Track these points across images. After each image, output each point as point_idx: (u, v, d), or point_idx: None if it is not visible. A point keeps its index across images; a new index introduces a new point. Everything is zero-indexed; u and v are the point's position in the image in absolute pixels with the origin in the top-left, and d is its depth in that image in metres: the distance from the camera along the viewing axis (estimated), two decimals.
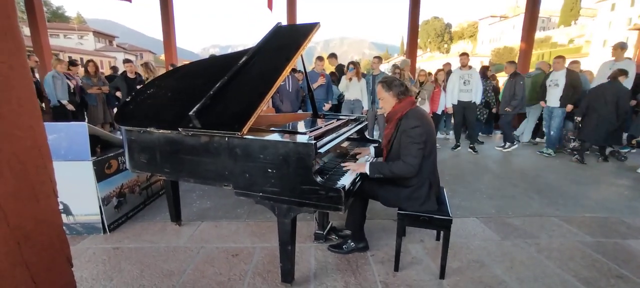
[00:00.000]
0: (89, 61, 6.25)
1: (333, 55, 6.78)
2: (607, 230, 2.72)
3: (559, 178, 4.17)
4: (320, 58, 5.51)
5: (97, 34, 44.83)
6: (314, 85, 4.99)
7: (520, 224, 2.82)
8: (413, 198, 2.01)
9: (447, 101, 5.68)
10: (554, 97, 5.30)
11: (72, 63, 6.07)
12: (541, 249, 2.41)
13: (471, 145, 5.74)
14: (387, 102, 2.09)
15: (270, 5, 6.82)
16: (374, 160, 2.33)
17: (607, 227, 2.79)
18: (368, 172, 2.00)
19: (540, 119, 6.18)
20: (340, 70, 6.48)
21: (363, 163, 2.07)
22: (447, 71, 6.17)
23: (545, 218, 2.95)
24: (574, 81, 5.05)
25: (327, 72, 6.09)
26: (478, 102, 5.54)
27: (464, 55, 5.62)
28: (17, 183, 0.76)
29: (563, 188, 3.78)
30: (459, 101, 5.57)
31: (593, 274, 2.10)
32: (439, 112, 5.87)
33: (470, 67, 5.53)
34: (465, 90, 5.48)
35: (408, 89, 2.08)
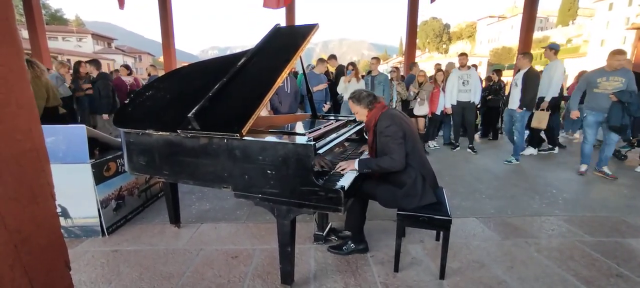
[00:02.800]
0: (78, 63, 5.82)
1: (333, 57, 6.78)
2: (607, 230, 2.72)
3: (558, 178, 4.17)
4: (321, 60, 5.52)
5: (96, 37, 44.79)
6: (315, 89, 5.01)
7: (520, 224, 2.82)
8: (410, 195, 2.02)
9: (446, 101, 5.68)
10: (513, 98, 4.92)
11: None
12: (541, 249, 2.41)
13: (470, 146, 5.75)
14: (361, 114, 2.21)
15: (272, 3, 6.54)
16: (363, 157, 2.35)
17: (607, 226, 2.79)
18: (357, 168, 2.05)
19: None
20: (340, 71, 6.49)
21: (352, 160, 2.12)
22: (437, 71, 6.19)
23: (545, 218, 2.95)
24: (529, 81, 4.66)
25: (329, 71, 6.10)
26: (477, 102, 5.54)
27: (463, 55, 5.64)
28: (15, 186, 0.75)
29: (563, 188, 3.78)
30: (458, 101, 5.57)
31: (593, 273, 2.10)
32: (438, 112, 5.88)
33: (469, 68, 5.53)
34: (464, 90, 5.48)
35: (376, 97, 2.20)
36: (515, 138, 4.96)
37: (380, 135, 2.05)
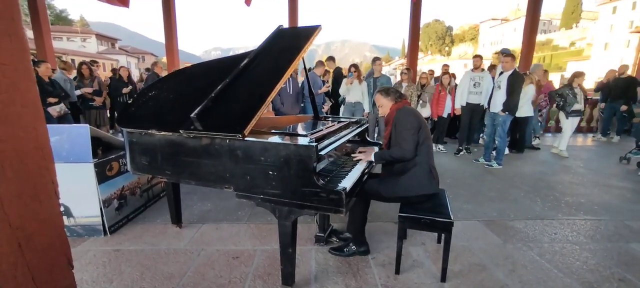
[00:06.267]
0: (82, 64, 5.98)
1: (331, 58, 6.79)
2: (610, 234, 2.70)
3: (561, 181, 4.15)
4: (321, 62, 5.55)
5: (100, 37, 45.11)
6: (318, 91, 5.04)
7: (523, 227, 2.81)
8: (414, 182, 2.09)
9: (456, 102, 5.57)
10: (495, 100, 4.78)
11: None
12: (543, 253, 2.39)
13: (467, 146, 5.73)
14: (385, 107, 2.32)
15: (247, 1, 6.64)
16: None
17: (609, 230, 2.77)
18: (373, 159, 2.25)
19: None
20: (338, 74, 6.48)
21: (370, 150, 2.34)
22: (444, 73, 6.16)
23: (548, 222, 2.93)
24: (514, 84, 4.48)
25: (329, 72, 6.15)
26: (486, 105, 5.37)
27: (477, 57, 5.51)
28: (19, 184, 0.76)
29: (566, 191, 3.76)
30: (467, 103, 5.47)
31: (596, 278, 2.09)
32: (445, 115, 5.83)
33: (482, 70, 5.42)
34: (474, 92, 5.39)
35: (402, 94, 2.34)
36: (497, 142, 4.82)
37: (397, 125, 2.17)
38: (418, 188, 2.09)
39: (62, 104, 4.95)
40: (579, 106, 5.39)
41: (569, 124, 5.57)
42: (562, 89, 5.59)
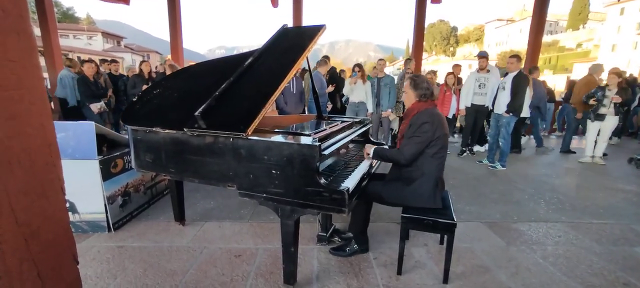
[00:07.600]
0: (86, 61, 5.86)
1: (326, 58, 6.77)
2: (615, 238, 2.68)
3: (566, 184, 4.11)
4: (324, 61, 5.56)
5: (106, 35, 45.46)
6: (324, 92, 5.04)
7: (526, 230, 2.79)
8: (417, 194, 2.04)
9: (461, 103, 5.52)
10: (499, 102, 4.79)
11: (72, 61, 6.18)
12: (547, 256, 2.37)
13: (470, 147, 5.69)
14: (409, 97, 2.19)
15: (274, 2, 6.80)
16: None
17: (615, 234, 2.74)
18: (371, 153, 2.25)
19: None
20: (333, 74, 6.45)
21: (371, 145, 2.36)
22: (449, 73, 6.11)
23: (552, 224, 2.91)
24: (518, 85, 4.46)
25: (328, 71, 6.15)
26: (490, 106, 5.30)
27: (482, 58, 5.43)
28: (26, 180, 0.77)
29: (570, 194, 3.73)
30: (472, 104, 5.41)
31: (600, 282, 2.07)
32: (450, 116, 5.80)
33: (488, 71, 5.35)
34: (479, 93, 5.32)
35: (433, 95, 2.15)
36: (500, 143, 4.79)
37: (412, 126, 2.06)
38: (420, 201, 2.04)
39: (102, 101, 5.36)
40: (604, 110, 4.98)
41: (593, 127, 5.21)
42: (595, 90, 5.18)
